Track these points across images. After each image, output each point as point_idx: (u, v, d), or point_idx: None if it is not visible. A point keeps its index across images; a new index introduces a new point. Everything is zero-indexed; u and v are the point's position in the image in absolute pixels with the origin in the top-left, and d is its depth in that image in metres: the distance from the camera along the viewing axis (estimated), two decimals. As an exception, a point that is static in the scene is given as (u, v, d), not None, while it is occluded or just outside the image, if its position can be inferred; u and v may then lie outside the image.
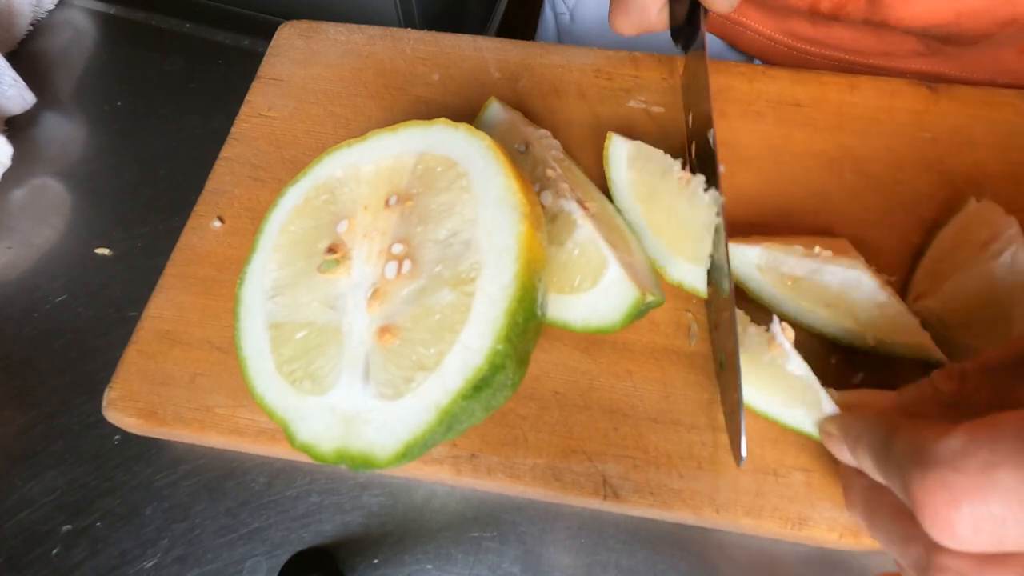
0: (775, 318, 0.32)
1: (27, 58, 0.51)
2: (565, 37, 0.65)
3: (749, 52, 0.53)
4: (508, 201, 0.28)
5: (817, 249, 0.34)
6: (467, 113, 0.43)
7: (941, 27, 0.42)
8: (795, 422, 0.32)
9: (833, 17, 0.45)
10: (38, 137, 0.48)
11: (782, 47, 0.50)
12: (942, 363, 0.33)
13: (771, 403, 0.32)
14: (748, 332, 0.33)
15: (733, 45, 0.54)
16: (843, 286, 0.33)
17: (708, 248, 0.34)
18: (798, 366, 0.31)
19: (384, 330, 0.28)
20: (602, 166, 0.39)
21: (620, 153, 0.39)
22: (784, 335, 0.31)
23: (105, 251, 0.43)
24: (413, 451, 0.27)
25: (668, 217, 0.36)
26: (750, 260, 0.36)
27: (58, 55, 0.52)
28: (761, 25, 0.49)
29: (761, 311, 0.36)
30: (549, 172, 0.36)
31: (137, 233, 0.44)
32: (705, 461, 0.32)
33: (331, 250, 0.31)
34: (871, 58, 0.48)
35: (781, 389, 0.32)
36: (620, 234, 0.36)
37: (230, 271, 0.38)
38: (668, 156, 0.37)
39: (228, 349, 0.36)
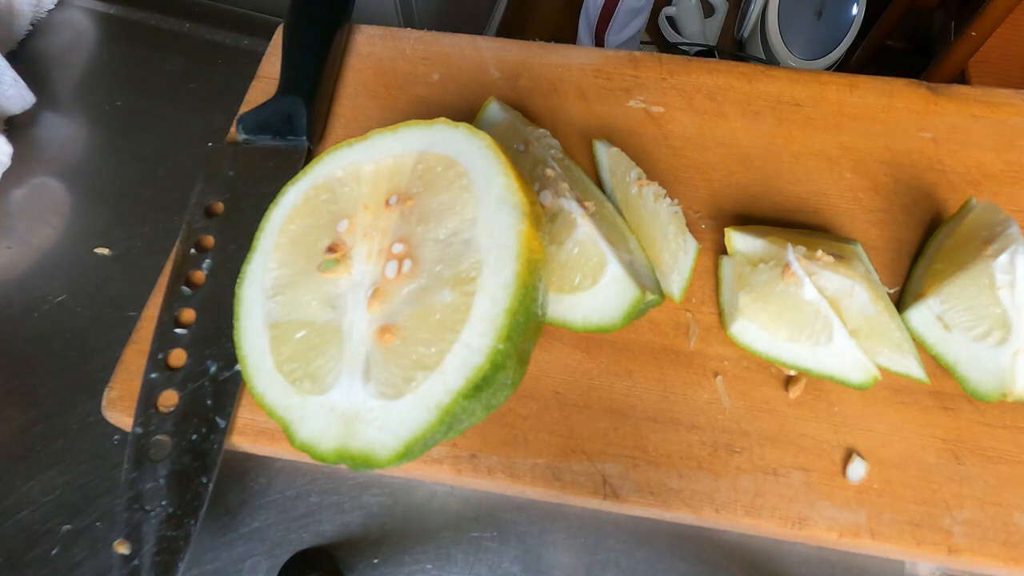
0: (789, 246, 0.33)
1: (27, 58, 0.51)
2: None
3: None
4: (508, 200, 0.28)
5: (820, 252, 0.34)
6: (467, 113, 0.43)
7: None
8: (795, 358, 0.32)
9: None
10: (38, 137, 0.48)
11: None
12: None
13: (774, 340, 0.33)
14: (758, 269, 0.34)
15: None
16: (838, 292, 0.33)
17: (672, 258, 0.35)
18: (812, 292, 0.32)
19: (384, 329, 0.28)
20: (602, 166, 0.39)
21: (602, 161, 0.39)
22: (799, 263, 0.32)
23: (105, 251, 0.43)
24: (413, 451, 0.27)
25: (639, 225, 0.37)
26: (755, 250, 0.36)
27: (58, 55, 0.52)
28: None
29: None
30: (548, 171, 0.36)
31: (137, 233, 0.44)
32: (705, 461, 0.32)
33: (331, 249, 0.31)
34: None
35: (789, 322, 0.32)
36: (620, 233, 0.36)
37: (230, 271, 0.38)
38: (633, 163, 0.38)
39: (228, 349, 0.36)
